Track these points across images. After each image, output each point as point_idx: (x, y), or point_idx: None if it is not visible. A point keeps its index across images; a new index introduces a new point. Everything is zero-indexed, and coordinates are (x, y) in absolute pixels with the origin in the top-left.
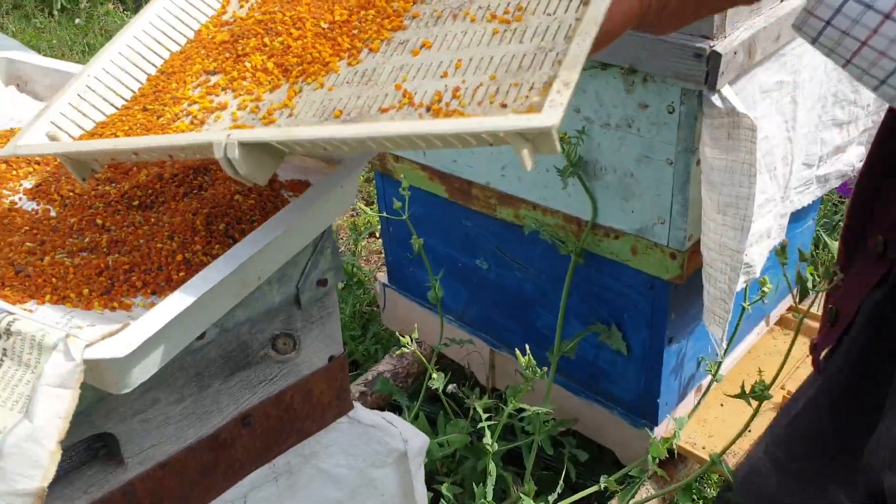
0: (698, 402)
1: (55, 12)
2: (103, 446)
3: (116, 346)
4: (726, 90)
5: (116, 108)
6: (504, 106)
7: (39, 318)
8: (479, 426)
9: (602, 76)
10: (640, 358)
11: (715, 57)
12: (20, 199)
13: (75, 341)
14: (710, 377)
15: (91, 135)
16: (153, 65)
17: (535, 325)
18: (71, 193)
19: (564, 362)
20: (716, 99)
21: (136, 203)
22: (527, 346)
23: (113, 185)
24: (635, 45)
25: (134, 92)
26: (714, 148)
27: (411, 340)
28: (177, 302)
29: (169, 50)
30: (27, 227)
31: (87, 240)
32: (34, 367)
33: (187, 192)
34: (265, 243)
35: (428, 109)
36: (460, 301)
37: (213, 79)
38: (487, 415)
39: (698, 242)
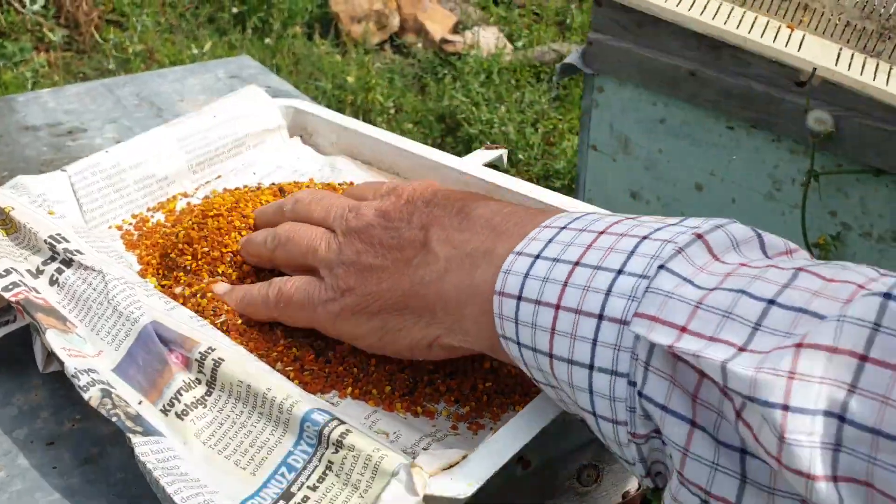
0: None
1: (248, 30)
2: None
3: (459, 485)
4: None
5: None
6: None
7: (341, 415)
8: None
9: (872, 182)
10: None
11: None
12: None
13: (420, 473)
14: None
15: None
16: None
17: None
18: None
19: None
20: None
21: None
22: None
23: None
24: None
25: None
26: None
27: None
28: (515, 437)
29: None
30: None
31: None
32: (363, 490)
33: None
34: None
35: None
36: None
37: None
38: None
39: None
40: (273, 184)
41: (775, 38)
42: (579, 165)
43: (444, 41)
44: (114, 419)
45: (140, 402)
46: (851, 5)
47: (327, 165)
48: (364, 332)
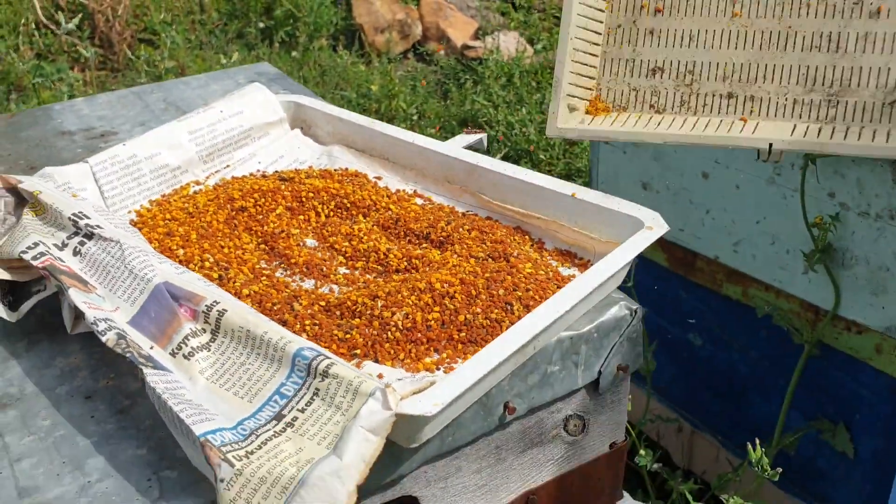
0: None
1: (275, 44)
2: None
3: (425, 404)
4: None
5: None
6: None
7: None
8: None
9: (867, 163)
10: (868, 463)
11: None
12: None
13: (393, 393)
14: None
15: None
16: None
17: (747, 411)
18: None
19: (776, 455)
20: None
21: (400, 264)
22: (757, 441)
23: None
24: None
25: None
26: None
27: None
28: (477, 367)
29: None
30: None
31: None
32: (345, 409)
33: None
34: (555, 318)
35: None
36: (663, 374)
37: None
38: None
39: None
40: (276, 171)
41: (729, 130)
42: (591, 159)
43: (466, 47)
44: (127, 356)
45: (152, 347)
46: (794, 84)
47: (325, 154)
48: None
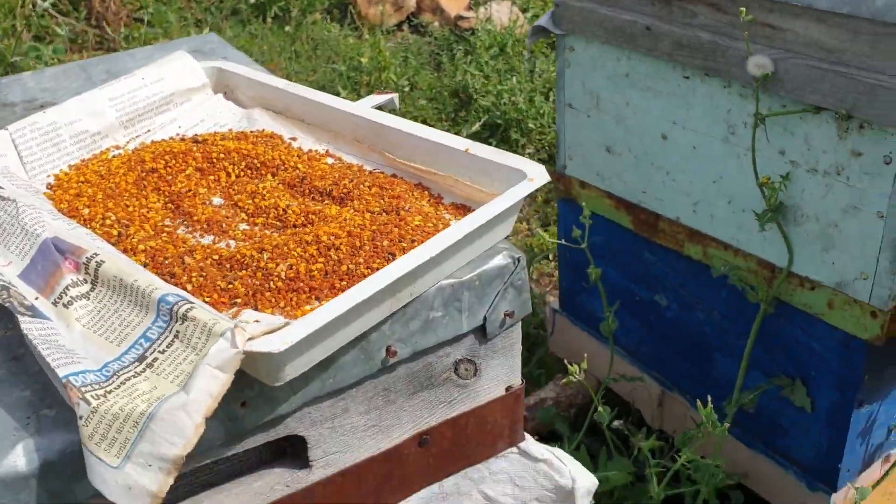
0: (885, 474)
1: (268, 19)
2: (290, 447)
3: (274, 343)
4: None
5: None
6: None
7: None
8: (646, 471)
9: (813, 119)
10: (824, 417)
11: None
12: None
13: (241, 332)
14: None
15: None
16: None
17: (711, 370)
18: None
19: (739, 412)
20: None
21: (298, 220)
22: (709, 398)
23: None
24: (854, 89)
25: None
26: None
27: (580, 371)
28: (332, 309)
29: None
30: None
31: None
32: (199, 349)
33: (344, 202)
34: (419, 264)
35: None
36: (633, 336)
37: None
38: (655, 461)
39: None
40: (195, 135)
41: None
42: (558, 125)
43: (460, 18)
44: (6, 304)
45: (36, 298)
46: None
47: (245, 118)
48: None
